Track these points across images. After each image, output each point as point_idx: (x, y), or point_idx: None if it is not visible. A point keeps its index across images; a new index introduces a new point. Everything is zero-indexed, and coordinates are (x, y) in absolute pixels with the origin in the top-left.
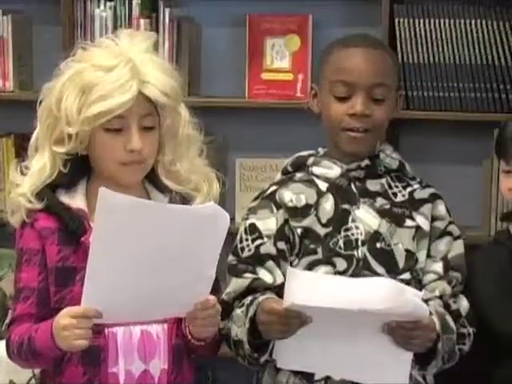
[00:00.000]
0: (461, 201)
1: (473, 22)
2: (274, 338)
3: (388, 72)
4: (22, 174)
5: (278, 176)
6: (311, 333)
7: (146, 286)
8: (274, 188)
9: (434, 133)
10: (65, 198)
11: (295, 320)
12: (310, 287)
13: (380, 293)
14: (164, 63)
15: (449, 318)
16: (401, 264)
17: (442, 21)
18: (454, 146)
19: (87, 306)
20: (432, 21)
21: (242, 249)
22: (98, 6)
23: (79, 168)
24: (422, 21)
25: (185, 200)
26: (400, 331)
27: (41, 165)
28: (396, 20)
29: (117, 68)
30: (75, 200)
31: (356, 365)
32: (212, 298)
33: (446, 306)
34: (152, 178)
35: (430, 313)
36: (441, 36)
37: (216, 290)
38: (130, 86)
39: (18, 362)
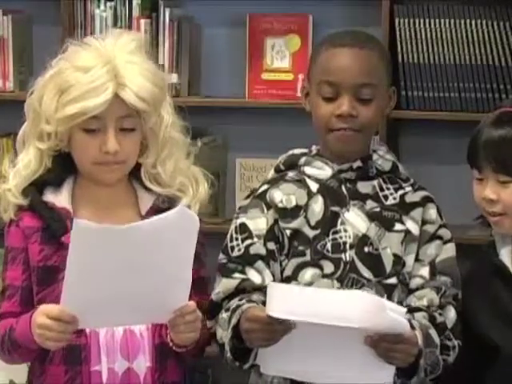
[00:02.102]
0: (460, 201)
1: (473, 22)
2: (256, 346)
3: (375, 71)
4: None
5: (271, 173)
6: (294, 340)
7: (122, 293)
8: (265, 187)
9: (433, 133)
10: (51, 197)
11: (278, 327)
12: (290, 301)
13: (358, 309)
14: (148, 66)
15: (433, 332)
16: (388, 268)
17: (442, 21)
18: (453, 146)
19: (64, 308)
20: (432, 21)
21: (232, 248)
22: (98, 6)
23: (66, 166)
24: (422, 21)
25: (171, 200)
26: (382, 344)
27: (26, 161)
28: (396, 20)
29: (94, 69)
30: (60, 199)
31: (339, 372)
32: (191, 303)
33: (432, 319)
34: (139, 177)
35: (414, 327)
36: (441, 36)
37: (202, 291)
38: (106, 88)
39: (2, 358)
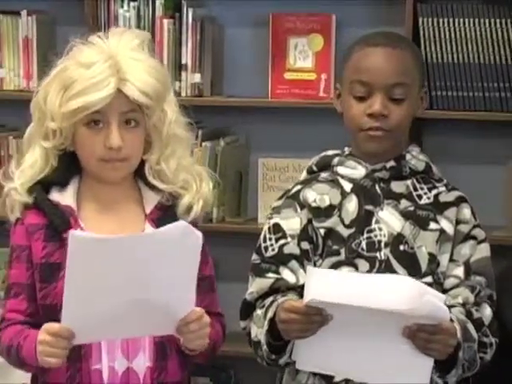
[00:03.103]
0: (485, 201)
1: (497, 21)
2: (293, 338)
3: (408, 71)
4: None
5: (304, 175)
6: (331, 334)
7: (123, 306)
8: (298, 188)
9: (457, 133)
10: (56, 196)
11: (315, 317)
12: (330, 285)
13: (401, 293)
14: (150, 62)
15: (470, 326)
16: (423, 267)
17: (466, 20)
18: (478, 146)
19: (65, 325)
20: (456, 20)
21: (266, 248)
22: (122, 6)
23: (71, 165)
24: (445, 20)
25: (174, 198)
26: (420, 334)
27: (32, 160)
28: (420, 19)
29: (96, 64)
30: (65, 197)
31: (376, 368)
32: (196, 311)
33: (469, 314)
34: (143, 175)
35: (452, 320)
36: (465, 35)
37: (207, 290)
38: (108, 83)
39: (7, 361)
